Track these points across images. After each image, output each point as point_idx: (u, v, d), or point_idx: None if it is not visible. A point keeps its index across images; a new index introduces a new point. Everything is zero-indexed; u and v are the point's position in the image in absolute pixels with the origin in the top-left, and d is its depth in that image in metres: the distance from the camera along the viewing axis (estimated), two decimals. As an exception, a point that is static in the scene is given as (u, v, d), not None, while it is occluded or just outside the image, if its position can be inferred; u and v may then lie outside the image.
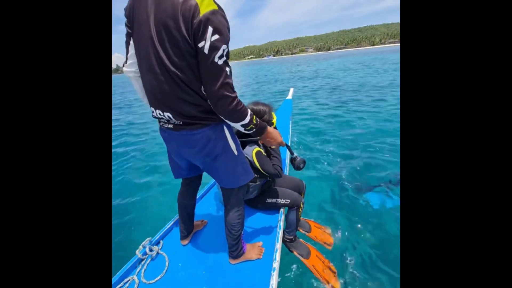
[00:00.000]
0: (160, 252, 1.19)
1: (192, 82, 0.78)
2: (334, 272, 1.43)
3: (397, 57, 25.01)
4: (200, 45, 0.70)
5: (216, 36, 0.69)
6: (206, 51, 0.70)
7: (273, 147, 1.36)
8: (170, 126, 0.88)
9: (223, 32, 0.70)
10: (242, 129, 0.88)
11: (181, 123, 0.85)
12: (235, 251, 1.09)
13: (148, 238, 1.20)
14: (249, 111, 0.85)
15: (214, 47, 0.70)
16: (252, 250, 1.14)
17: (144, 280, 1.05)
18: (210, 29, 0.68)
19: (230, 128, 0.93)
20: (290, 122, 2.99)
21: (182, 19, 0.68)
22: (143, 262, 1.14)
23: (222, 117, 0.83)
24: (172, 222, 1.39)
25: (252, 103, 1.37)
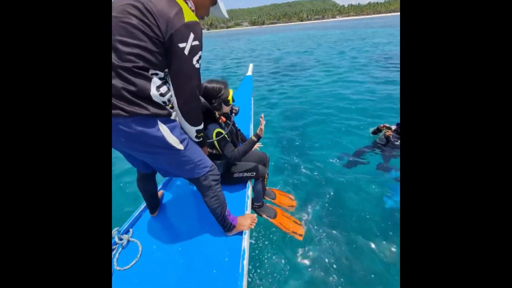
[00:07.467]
0: (131, 239, 1.19)
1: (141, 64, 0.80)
2: (299, 224, 1.75)
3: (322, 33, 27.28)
4: (181, 45, 0.79)
5: (196, 42, 0.82)
6: (186, 52, 0.80)
7: (260, 135, 1.40)
8: None
9: (201, 41, 0.84)
10: (194, 135, 0.99)
11: None
12: (226, 226, 1.15)
13: (115, 228, 1.18)
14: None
15: (193, 51, 0.82)
16: (244, 221, 1.21)
17: (118, 268, 1.05)
18: (192, 35, 0.80)
19: (170, 122, 0.89)
20: (252, 99, 2.86)
21: (159, 14, 0.76)
22: (114, 252, 1.12)
23: (184, 117, 0.91)
24: (140, 210, 1.37)
25: (206, 81, 1.33)
